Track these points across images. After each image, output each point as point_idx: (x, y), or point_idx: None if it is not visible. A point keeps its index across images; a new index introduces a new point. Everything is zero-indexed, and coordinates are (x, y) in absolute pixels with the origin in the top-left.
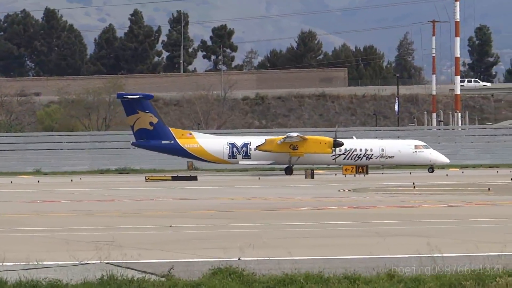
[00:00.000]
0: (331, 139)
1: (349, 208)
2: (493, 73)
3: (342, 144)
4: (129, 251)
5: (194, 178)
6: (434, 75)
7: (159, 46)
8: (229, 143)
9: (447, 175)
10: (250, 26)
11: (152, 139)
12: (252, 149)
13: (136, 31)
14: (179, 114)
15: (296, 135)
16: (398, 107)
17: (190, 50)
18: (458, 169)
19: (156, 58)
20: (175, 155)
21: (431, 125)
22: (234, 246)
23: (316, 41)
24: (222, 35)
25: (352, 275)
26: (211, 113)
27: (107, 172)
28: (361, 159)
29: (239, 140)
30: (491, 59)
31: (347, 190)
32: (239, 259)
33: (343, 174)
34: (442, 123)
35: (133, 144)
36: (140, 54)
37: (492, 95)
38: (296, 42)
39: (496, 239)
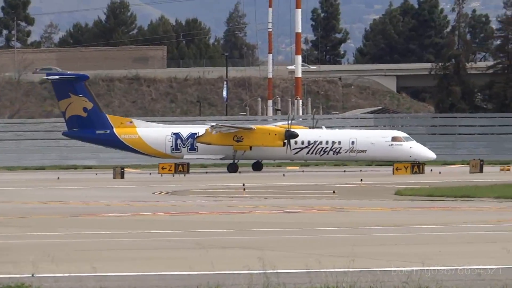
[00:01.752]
0: (282, 129)
1: (166, 215)
2: (341, 52)
3: (296, 136)
4: None
5: None
6: (271, 55)
7: None
8: (173, 134)
9: (284, 174)
10: None
11: (85, 128)
12: None
13: None
14: None
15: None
16: (227, 93)
17: None
18: (297, 168)
19: None
20: (112, 148)
21: (267, 114)
22: (27, 260)
23: (129, 13)
24: (15, 5)
25: None
26: (1, 99)
27: None
28: (327, 153)
29: (186, 131)
30: (338, 36)
31: (163, 193)
32: (32, 275)
33: (159, 173)
34: (280, 111)
35: (64, 134)
36: None
37: (340, 79)
38: (105, 14)
39: (342, 252)
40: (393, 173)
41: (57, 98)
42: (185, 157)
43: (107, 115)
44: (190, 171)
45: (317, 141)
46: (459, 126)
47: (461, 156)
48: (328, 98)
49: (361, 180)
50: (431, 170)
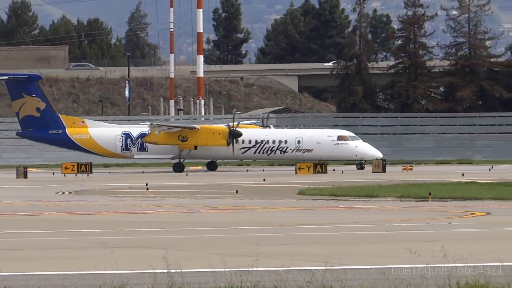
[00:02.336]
0: (226, 129)
1: (70, 214)
2: (243, 52)
3: (240, 135)
4: None
5: None
6: (172, 55)
7: None
8: (124, 134)
9: (187, 174)
10: None
11: (39, 128)
12: None
13: None
14: None
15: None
16: (129, 93)
17: None
18: (201, 167)
19: None
20: (64, 148)
21: (169, 114)
22: None
23: (30, 13)
24: None
25: None
26: None
27: None
28: (274, 153)
29: (136, 130)
30: (240, 36)
31: (67, 193)
32: None
33: (62, 173)
34: (182, 111)
35: (18, 134)
36: None
37: (242, 79)
38: (6, 14)
39: (246, 251)
40: (296, 173)
41: (11, 98)
42: (135, 156)
43: (60, 115)
44: (111, 171)
45: (264, 140)
46: (361, 126)
47: None
48: (230, 98)
49: (264, 179)
50: (334, 169)
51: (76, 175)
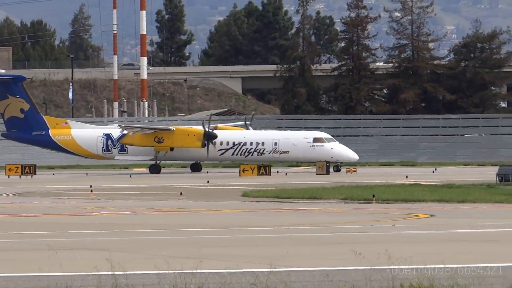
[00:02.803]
0: (201, 130)
1: (13, 216)
2: (187, 54)
3: (215, 137)
4: None
5: None
6: (116, 56)
7: None
8: (105, 135)
9: (130, 176)
10: None
11: (23, 129)
12: None
13: None
14: None
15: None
16: (73, 95)
17: None
18: (145, 169)
19: None
20: (48, 149)
21: (112, 115)
22: None
23: None
24: None
25: None
26: None
27: None
28: (251, 155)
29: (117, 132)
30: (183, 37)
31: (11, 194)
32: None
33: (6, 174)
34: (126, 113)
35: (2, 135)
36: None
37: (185, 81)
38: None
39: (190, 253)
40: (240, 175)
41: None
42: (116, 158)
43: (44, 116)
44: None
45: (241, 142)
46: (305, 128)
47: None
48: (174, 100)
49: (208, 181)
50: (278, 171)
51: (20, 177)
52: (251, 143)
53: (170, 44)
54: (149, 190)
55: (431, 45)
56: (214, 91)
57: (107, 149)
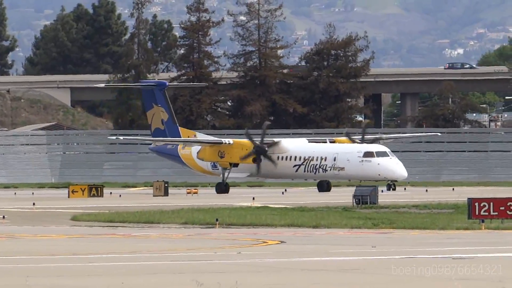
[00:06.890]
0: (250, 143)
1: None
2: (9, 61)
3: (265, 151)
4: None
5: None
6: None
7: None
8: None
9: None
10: None
11: None
12: None
13: None
14: None
15: None
16: None
17: None
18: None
19: None
20: (179, 164)
21: None
22: None
23: None
24: None
25: None
26: None
27: None
28: (318, 172)
29: None
30: (6, 43)
31: None
32: None
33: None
34: None
35: (149, 149)
36: None
37: (9, 92)
38: None
39: (14, 284)
40: (68, 196)
41: (144, 109)
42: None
43: (180, 128)
44: None
45: (310, 157)
46: (141, 144)
47: (143, 177)
48: None
49: (34, 204)
50: (111, 193)
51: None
52: (317, 159)
53: None
54: None
55: (280, 52)
56: (40, 103)
57: (214, 165)
